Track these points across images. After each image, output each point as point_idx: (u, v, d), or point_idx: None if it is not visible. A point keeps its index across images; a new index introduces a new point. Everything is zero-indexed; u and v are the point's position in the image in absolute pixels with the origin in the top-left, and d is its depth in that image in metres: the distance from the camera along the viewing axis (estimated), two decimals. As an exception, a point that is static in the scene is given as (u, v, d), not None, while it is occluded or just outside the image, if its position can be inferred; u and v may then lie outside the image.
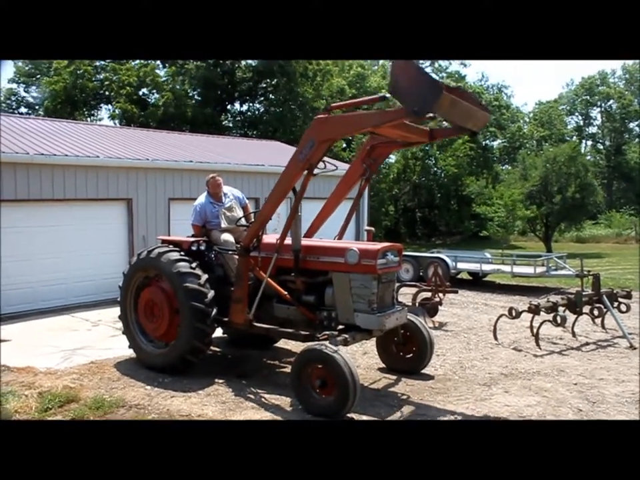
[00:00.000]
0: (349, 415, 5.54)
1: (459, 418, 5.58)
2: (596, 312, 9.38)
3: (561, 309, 8.73)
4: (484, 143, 43.54)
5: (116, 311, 7.92)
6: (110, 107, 34.68)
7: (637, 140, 53.81)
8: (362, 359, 7.66)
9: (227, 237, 7.28)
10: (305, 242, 6.46)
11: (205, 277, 6.74)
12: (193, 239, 7.20)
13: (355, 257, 6.02)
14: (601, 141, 56.32)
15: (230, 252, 7.10)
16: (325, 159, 6.13)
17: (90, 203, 11.81)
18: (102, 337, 8.95)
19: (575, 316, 8.98)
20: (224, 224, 7.36)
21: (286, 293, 6.41)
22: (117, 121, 32.92)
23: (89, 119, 34.25)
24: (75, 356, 7.80)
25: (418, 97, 4.90)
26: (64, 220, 11.39)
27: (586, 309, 9.19)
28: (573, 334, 8.90)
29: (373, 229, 7.62)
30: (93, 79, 32.36)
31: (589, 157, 47.59)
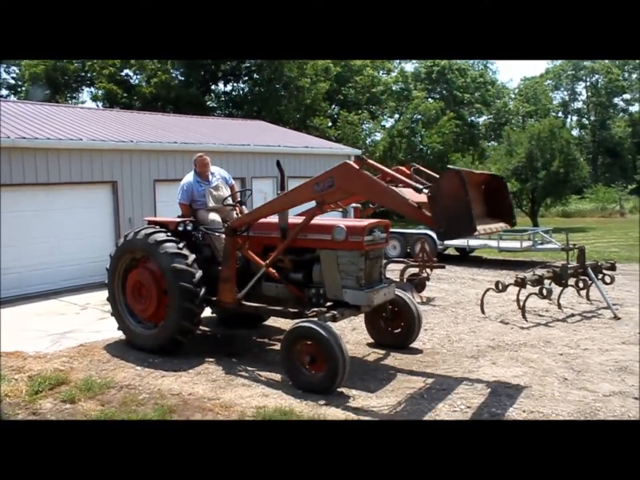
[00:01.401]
0: (339, 389, 5.63)
1: (448, 390, 5.69)
2: (581, 284, 9.50)
3: (546, 281, 8.82)
4: (470, 119, 43.56)
5: (103, 294, 7.91)
6: (92, 89, 34.19)
7: (621, 114, 54.06)
8: (351, 335, 7.72)
9: (214, 216, 7.26)
10: (292, 220, 6.46)
11: (192, 257, 6.73)
12: (179, 220, 7.18)
13: (342, 234, 6.03)
14: (586, 115, 56.49)
15: (217, 232, 7.09)
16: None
17: (74, 187, 11.72)
18: (90, 320, 8.94)
19: (561, 288, 9.08)
20: (210, 203, 7.33)
21: (274, 271, 6.44)
22: (99, 103, 32.49)
23: (70, 102, 33.74)
24: (64, 339, 7.80)
25: (450, 224, 4.94)
26: (48, 204, 11.30)
27: (571, 281, 9.30)
28: (559, 306, 9.01)
29: (360, 205, 7.62)
30: (74, 61, 31.82)
31: (574, 132, 47.78)
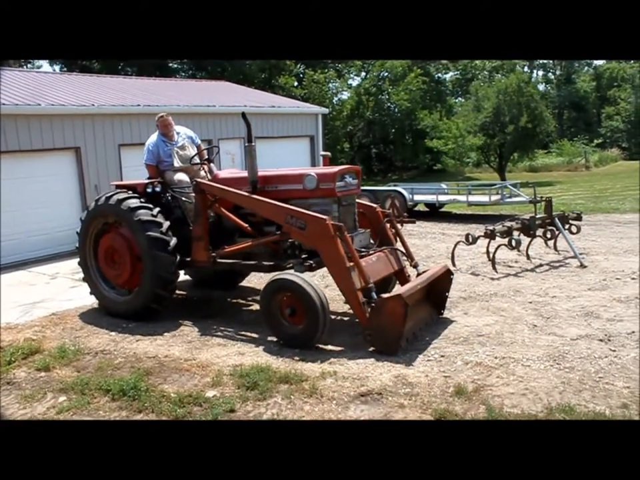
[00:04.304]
0: (318, 344, 5.68)
1: (422, 340, 5.80)
2: (549, 234, 9.67)
3: (515, 233, 8.96)
4: (436, 76, 43.33)
5: (73, 262, 7.79)
6: (48, 53, 32.81)
7: (586, 69, 54.36)
8: (325, 292, 7.71)
9: (181, 176, 7.13)
10: (261, 173, 6.39)
11: (166, 224, 6.59)
12: (147, 181, 7.02)
13: (313, 182, 6.00)
14: (551, 70, 56.65)
15: (184, 194, 6.97)
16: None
17: (35, 154, 11.36)
18: (61, 289, 8.80)
19: (529, 239, 9.24)
20: (177, 163, 7.17)
21: (247, 225, 6.38)
22: (56, 67, 31.36)
23: (25, 67, 32.45)
24: (35, 309, 7.67)
25: (377, 337, 5.38)
26: (9, 173, 10.91)
27: (539, 232, 9.45)
28: (528, 256, 9.18)
29: (328, 153, 7.49)
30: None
31: (540, 87, 47.95)
